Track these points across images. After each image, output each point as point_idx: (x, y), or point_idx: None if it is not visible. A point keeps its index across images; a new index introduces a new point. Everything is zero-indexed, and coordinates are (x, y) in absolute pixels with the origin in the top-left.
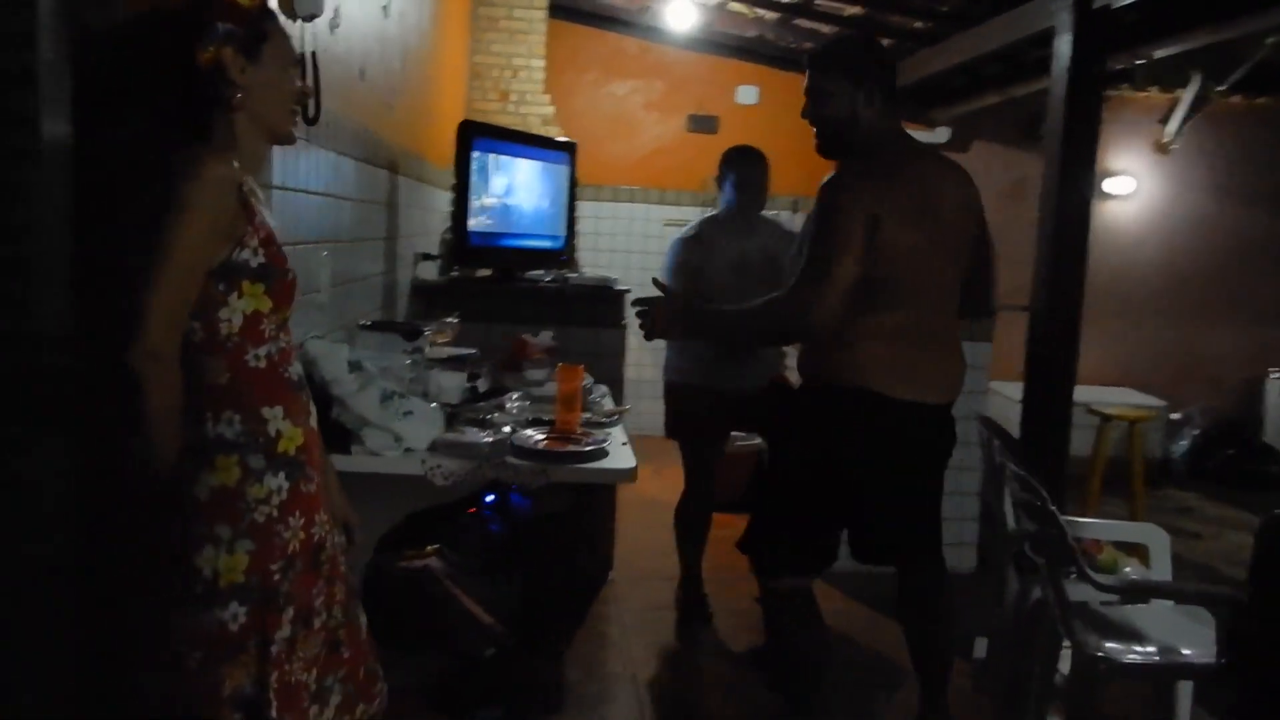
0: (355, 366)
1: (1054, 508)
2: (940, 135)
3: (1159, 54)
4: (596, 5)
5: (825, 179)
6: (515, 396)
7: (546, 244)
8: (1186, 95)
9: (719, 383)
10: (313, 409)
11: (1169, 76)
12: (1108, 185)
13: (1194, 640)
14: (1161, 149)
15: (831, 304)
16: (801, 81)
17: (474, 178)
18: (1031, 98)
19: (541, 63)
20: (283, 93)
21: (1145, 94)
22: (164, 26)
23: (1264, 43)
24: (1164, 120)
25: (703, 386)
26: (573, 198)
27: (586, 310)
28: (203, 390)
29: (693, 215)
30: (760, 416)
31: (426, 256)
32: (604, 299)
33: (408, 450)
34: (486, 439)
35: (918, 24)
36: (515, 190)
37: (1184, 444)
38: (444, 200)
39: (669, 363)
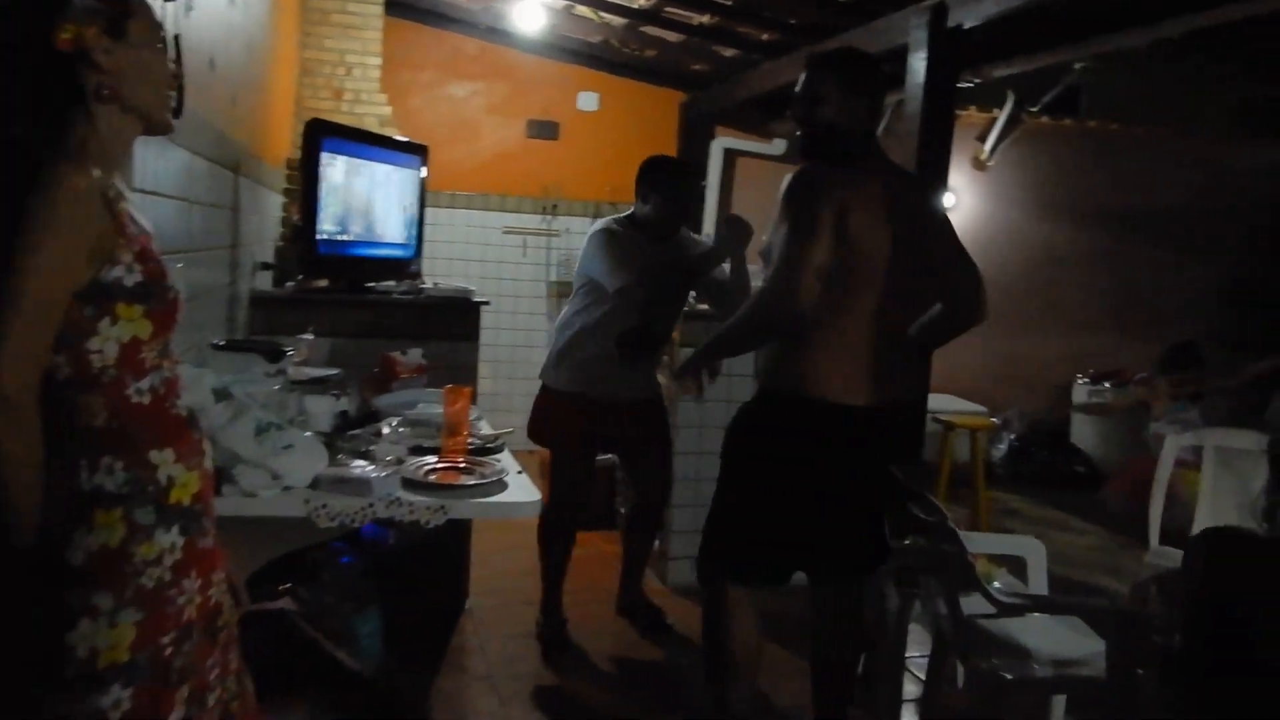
0: (223, 394)
1: (954, 525)
2: (777, 147)
3: (999, 74)
4: (435, 3)
5: (793, 177)
6: (395, 422)
7: (398, 253)
8: (1002, 115)
9: (603, 392)
10: (207, 448)
11: (985, 97)
12: None
13: (1072, 648)
14: (980, 165)
15: (808, 284)
16: (643, 89)
17: (322, 181)
18: None
19: (378, 60)
20: (156, 75)
21: (965, 112)
22: (11, 5)
23: (1073, 68)
24: (981, 138)
25: (587, 395)
26: (423, 204)
27: (443, 323)
28: (75, 435)
29: (534, 222)
30: (640, 431)
31: (266, 266)
32: (461, 311)
33: (287, 488)
34: (375, 473)
35: (765, 35)
36: (366, 195)
37: (1003, 448)
38: (277, 204)
39: (550, 367)
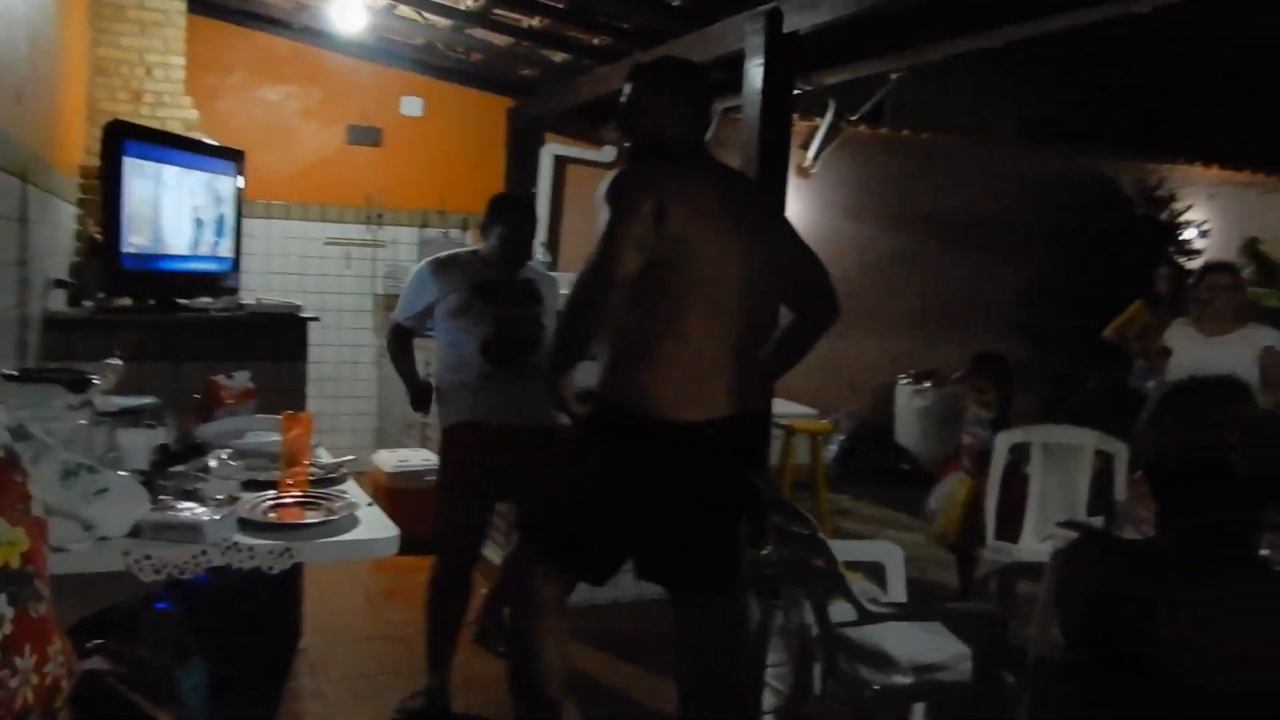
0: (19, 433)
1: (824, 537)
2: (607, 154)
3: (829, 81)
4: (244, 1)
5: (612, 178)
6: (224, 454)
7: (213, 266)
8: (824, 123)
9: (491, 419)
10: (33, 492)
11: (807, 105)
12: None
13: (934, 652)
14: (803, 172)
15: (625, 268)
16: (469, 94)
17: (126, 189)
18: None
19: (181, 60)
20: None
21: None
22: None
23: (889, 78)
24: (805, 146)
25: (475, 423)
26: (240, 214)
27: (267, 342)
28: None
29: (358, 233)
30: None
31: (60, 283)
32: (287, 328)
33: (102, 539)
34: (206, 515)
35: (597, 40)
36: (176, 204)
37: (833, 449)
38: (71, 215)
39: (441, 410)
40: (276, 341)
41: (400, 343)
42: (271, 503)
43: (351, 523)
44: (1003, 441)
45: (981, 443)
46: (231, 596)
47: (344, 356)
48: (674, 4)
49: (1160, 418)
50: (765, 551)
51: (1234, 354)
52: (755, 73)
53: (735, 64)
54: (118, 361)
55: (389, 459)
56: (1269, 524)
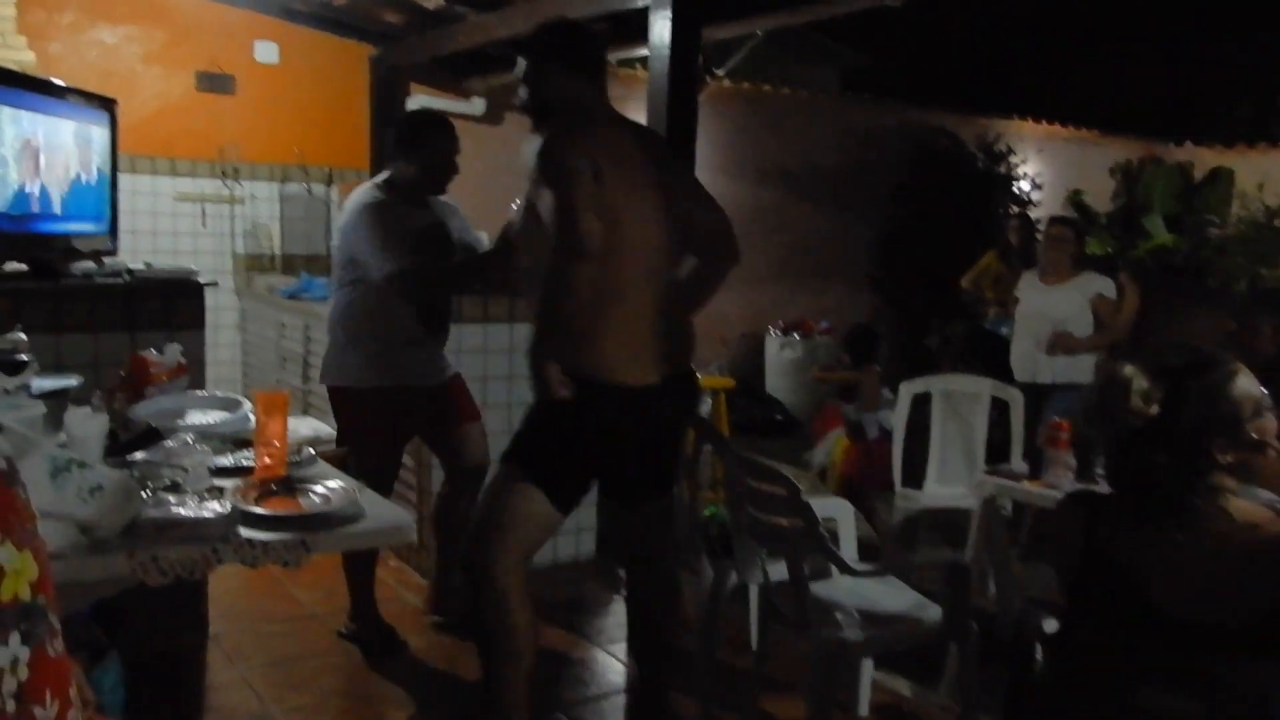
0: None
1: (806, 499)
2: (476, 106)
3: (722, 35)
4: None
5: (543, 142)
6: (189, 438)
7: (89, 228)
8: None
9: (407, 381)
10: (34, 511)
11: None
12: None
13: (888, 602)
14: None
15: (590, 228)
16: (329, 40)
17: None
18: None
19: None
20: None
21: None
22: None
23: (755, 34)
24: None
25: (388, 388)
26: (114, 168)
27: (159, 310)
28: None
29: (211, 187)
30: (442, 412)
31: None
32: (184, 294)
33: (99, 541)
34: (209, 510)
35: None
36: (43, 158)
37: (708, 402)
38: None
39: (333, 365)
40: (171, 310)
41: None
42: (258, 491)
43: (357, 509)
44: (905, 391)
45: (850, 414)
46: (137, 586)
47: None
48: None
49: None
50: (709, 511)
51: (1070, 300)
52: (662, 25)
53: (614, 17)
54: (21, 335)
55: None
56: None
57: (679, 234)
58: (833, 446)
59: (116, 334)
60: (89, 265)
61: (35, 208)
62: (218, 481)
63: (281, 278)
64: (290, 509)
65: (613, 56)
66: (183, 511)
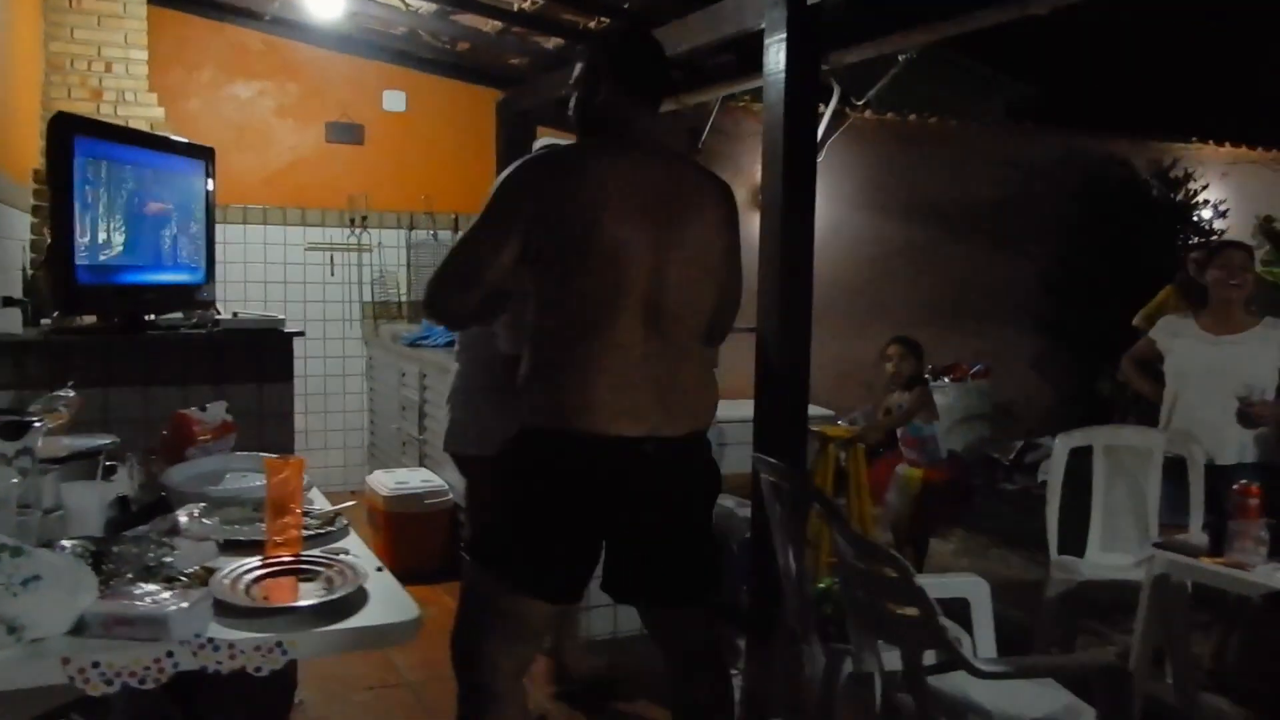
0: None
1: (920, 583)
2: None
3: (849, 60)
4: None
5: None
6: (197, 510)
7: (184, 277)
8: (828, 109)
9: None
10: None
11: None
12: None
13: (1037, 706)
14: None
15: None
16: (455, 86)
17: (79, 192)
18: (696, 107)
19: (143, 55)
20: None
21: None
22: None
23: (897, 60)
24: None
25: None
26: (211, 218)
27: (247, 362)
28: None
29: (341, 236)
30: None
31: (9, 301)
32: (271, 345)
33: (34, 642)
34: (174, 602)
35: (593, 23)
36: (137, 209)
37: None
38: (25, 225)
39: (461, 429)
40: (258, 361)
41: None
42: (258, 573)
43: (359, 599)
44: (1062, 444)
45: (912, 430)
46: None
47: (332, 370)
48: None
49: None
50: (823, 584)
51: (1255, 354)
52: (776, 51)
53: (738, 46)
54: (70, 392)
55: (385, 480)
56: None
57: (704, 296)
58: (904, 483)
59: (201, 387)
60: (177, 316)
61: (126, 258)
62: (224, 560)
63: (406, 325)
64: (287, 598)
65: (738, 89)
66: (139, 605)
